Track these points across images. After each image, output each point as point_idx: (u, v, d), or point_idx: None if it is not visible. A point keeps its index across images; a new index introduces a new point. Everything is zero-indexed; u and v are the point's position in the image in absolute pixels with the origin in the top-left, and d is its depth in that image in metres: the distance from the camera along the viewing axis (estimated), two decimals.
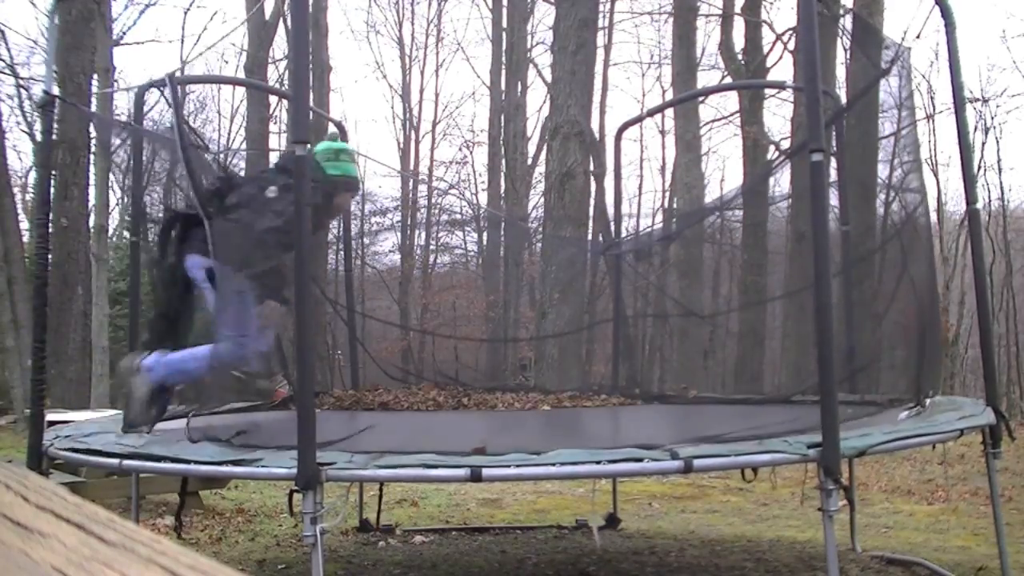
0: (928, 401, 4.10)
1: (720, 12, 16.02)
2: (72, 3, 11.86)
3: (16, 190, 17.37)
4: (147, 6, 18.42)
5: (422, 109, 23.89)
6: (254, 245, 3.70)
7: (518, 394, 5.64)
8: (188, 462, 3.08)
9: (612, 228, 6.66)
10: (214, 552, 4.90)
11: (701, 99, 15.26)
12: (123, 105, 14.87)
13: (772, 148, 15.20)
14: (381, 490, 5.68)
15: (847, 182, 5.29)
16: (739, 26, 15.57)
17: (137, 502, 4.67)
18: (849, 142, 5.39)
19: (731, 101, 17.44)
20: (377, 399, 5.19)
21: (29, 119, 18.53)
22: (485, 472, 2.74)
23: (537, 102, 23.74)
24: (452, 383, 5.85)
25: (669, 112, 15.99)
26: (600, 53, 17.92)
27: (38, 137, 18.19)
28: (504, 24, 19.71)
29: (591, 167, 11.95)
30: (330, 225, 5.37)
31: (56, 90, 4.22)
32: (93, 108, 12.38)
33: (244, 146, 18.50)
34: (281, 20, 17.06)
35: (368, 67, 38.66)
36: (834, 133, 4.97)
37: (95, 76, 13.05)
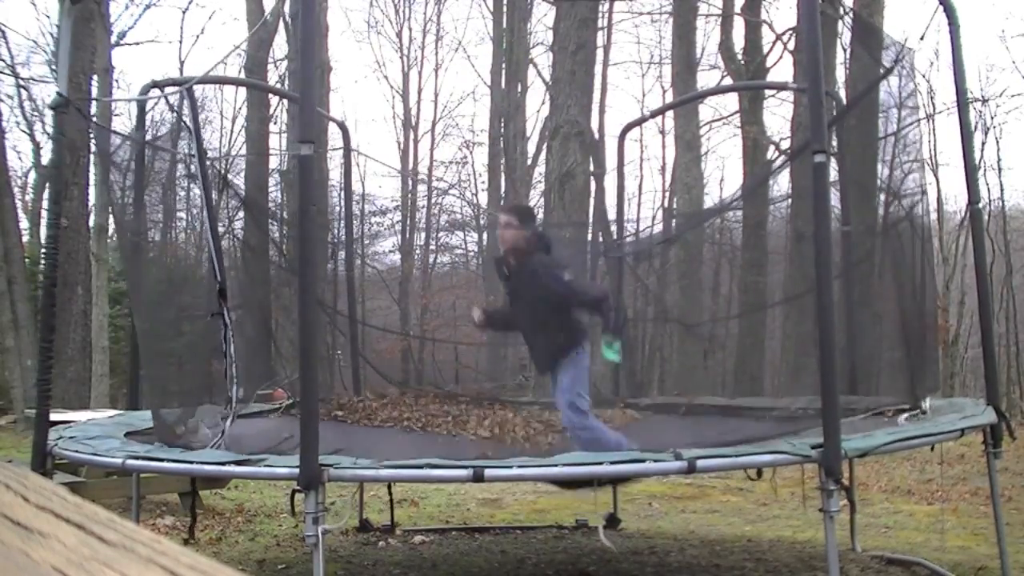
0: (927, 404, 4.10)
1: (720, 12, 16.01)
2: (80, 4, 11.85)
3: (16, 190, 17.36)
4: (147, 6, 18.40)
5: (421, 109, 23.89)
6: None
7: (518, 411, 5.57)
8: (190, 462, 3.08)
9: (612, 229, 6.65)
10: (214, 552, 4.90)
11: (701, 99, 15.25)
12: (123, 105, 14.87)
13: (772, 148, 15.20)
14: (391, 490, 5.68)
15: (847, 182, 5.28)
16: (739, 26, 15.57)
17: (137, 502, 4.67)
18: (849, 142, 5.38)
19: (731, 101, 17.42)
20: (380, 413, 5.18)
21: (29, 119, 18.52)
22: (487, 472, 2.74)
23: (537, 102, 23.71)
24: (451, 397, 5.82)
25: (669, 112, 15.97)
26: (600, 53, 17.90)
27: (38, 137, 18.20)
28: (504, 24, 19.70)
29: (591, 167, 11.93)
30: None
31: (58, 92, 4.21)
32: (93, 109, 12.37)
33: (244, 147, 18.49)
34: (281, 20, 17.03)
35: (368, 67, 38.61)
36: (834, 133, 4.97)
37: (95, 76, 13.05)
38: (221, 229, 5.56)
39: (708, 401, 6.10)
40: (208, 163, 4.73)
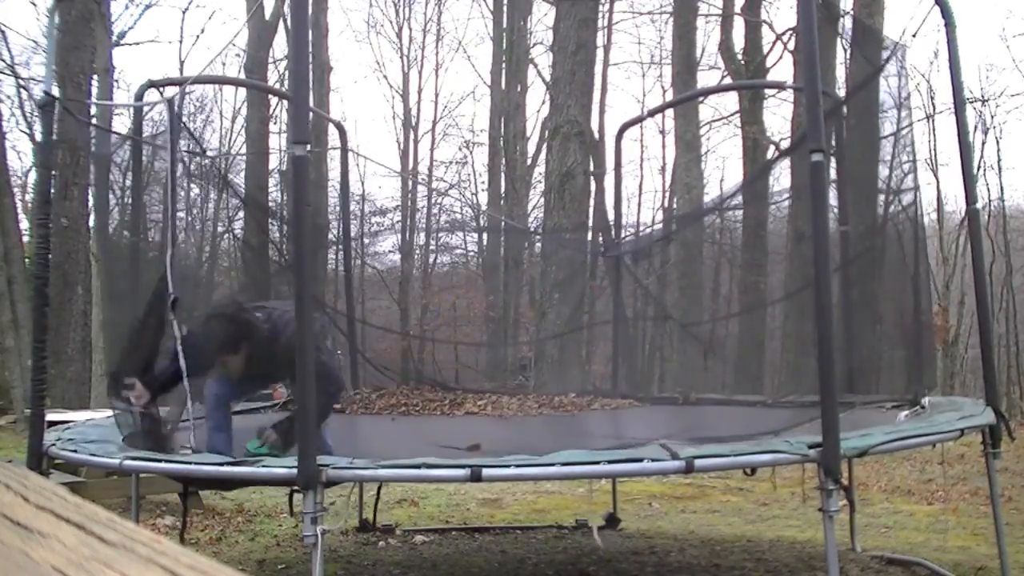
0: (926, 400, 4.11)
1: (720, 12, 16.02)
2: (72, 3, 11.85)
3: (16, 190, 17.34)
4: (147, 6, 18.38)
5: (421, 109, 23.88)
6: None
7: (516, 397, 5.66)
8: (188, 462, 3.09)
9: (612, 229, 6.66)
10: (214, 552, 4.90)
11: (701, 99, 15.26)
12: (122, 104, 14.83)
13: (772, 148, 15.20)
14: (379, 490, 5.68)
15: (846, 182, 5.29)
16: (739, 26, 15.58)
17: (137, 502, 4.67)
18: (849, 142, 5.38)
19: (731, 101, 17.44)
20: (378, 403, 5.20)
21: (29, 119, 18.51)
22: (485, 472, 2.74)
23: (537, 102, 23.71)
24: (451, 390, 5.86)
25: (669, 112, 15.97)
26: (600, 53, 17.91)
27: (38, 137, 18.16)
28: (504, 24, 19.71)
29: (591, 167, 11.94)
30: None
31: (56, 91, 4.21)
32: (92, 110, 12.37)
33: (244, 147, 18.48)
34: (281, 20, 17.06)
35: (368, 67, 38.58)
36: (833, 133, 4.97)
37: (95, 76, 13.04)
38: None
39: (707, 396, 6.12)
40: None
